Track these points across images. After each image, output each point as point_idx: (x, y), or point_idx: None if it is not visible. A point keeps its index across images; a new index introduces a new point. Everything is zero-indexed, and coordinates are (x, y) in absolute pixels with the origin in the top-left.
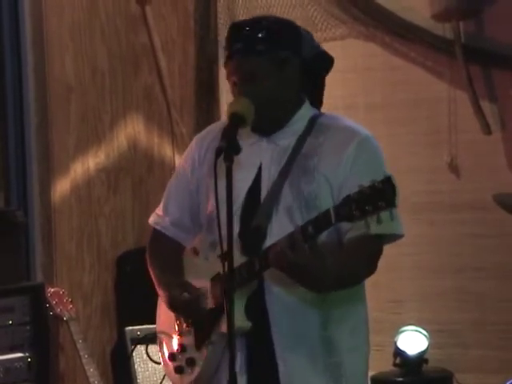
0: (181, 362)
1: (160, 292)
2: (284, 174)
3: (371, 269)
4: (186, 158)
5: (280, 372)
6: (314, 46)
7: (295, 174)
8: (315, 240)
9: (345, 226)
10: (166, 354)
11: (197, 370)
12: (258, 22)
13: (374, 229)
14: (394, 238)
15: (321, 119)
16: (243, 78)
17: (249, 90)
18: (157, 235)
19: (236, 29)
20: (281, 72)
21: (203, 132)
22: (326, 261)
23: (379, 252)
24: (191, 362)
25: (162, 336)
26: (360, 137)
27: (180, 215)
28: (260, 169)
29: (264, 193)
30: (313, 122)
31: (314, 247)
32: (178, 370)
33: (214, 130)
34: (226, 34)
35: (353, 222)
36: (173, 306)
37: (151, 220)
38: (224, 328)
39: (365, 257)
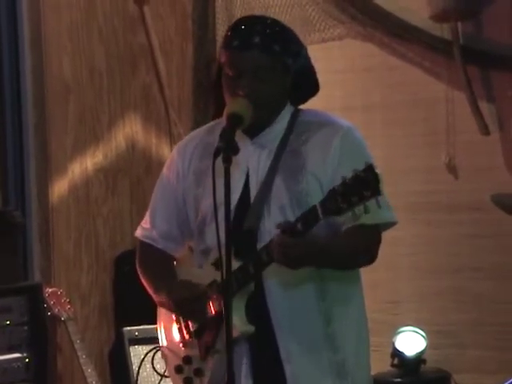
0: (188, 374)
1: (160, 298)
2: (272, 175)
3: (372, 255)
4: (170, 168)
5: (286, 372)
6: (307, 58)
7: (283, 173)
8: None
9: (337, 220)
10: (173, 367)
11: (206, 379)
12: (274, 22)
13: (364, 219)
14: (388, 225)
15: (301, 117)
16: (250, 73)
17: (251, 86)
18: (146, 248)
19: (251, 21)
20: (283, 78)
21: (184, 140)
22: (322, 241)
23: (377, 240)
24: (199, 373)
25: (166, 350)
26: (342, 130)
27: (168, 227)
28: (248, 173)
29: (253, 197)
30: (293, 120)
31: (306, 236)
32: (187, 382)
33: (195, 138)
34: (224, 32)
35: (341, 214)
36: (177, 307)
37: (138, 233)
38: (231, 335)
39: (363, 244)
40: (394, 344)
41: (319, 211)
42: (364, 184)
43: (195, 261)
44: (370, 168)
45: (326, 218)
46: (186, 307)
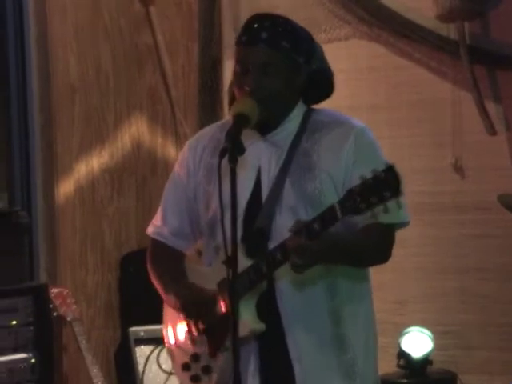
0: (196, 371)
1: (169, 299)
2: (284, 173)
3: (386, 254)
4: (181, 165)
5: (296, 372)
6: (322, 60)
7: (295, 172)
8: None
9: (353, 219)
10: (179, 365)
11: (214, 377)
12: (285, 21)
13: (383, 218)
14: (402, 225)
15: (314, 116)
16: (257, 68)
17: (258, 81)
18: (157, 245)
19: (262, 18)
20: (292, 75)
21: (195, 137)
22: (337, 238)
23: (392, 239)
24: (207, 370)
25: (173, 347)
26: (355, 130)
27: (179, 224)
28: (259, 171)
29: (265, 195)
30: (306, 120)
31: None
32: (195, 379)
33: (206, 135)
34: (230, 33)
35: (359, 214)
36: (185, 310)
37: (150, 231)
38: (237, 333)
39: (378, 242)
40: (400, 345)
41: (338, 211)
42: (384, 185)
43: (205, 258)
44: (390, 168)
45: (344, 218)
46: (194, 311)
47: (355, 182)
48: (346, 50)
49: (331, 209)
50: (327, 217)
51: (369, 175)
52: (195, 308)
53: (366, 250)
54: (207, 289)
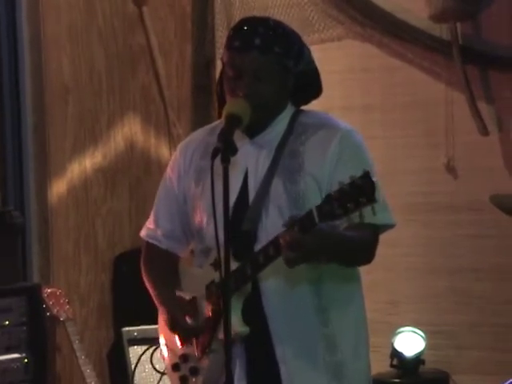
0: (184, 372)
1: (160, 309)
2: (271, 174)
3: (370, 254)
4: (172, 168)
5: (282, 373)
6: (310, 61)
7: (281, 174)
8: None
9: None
10: (170, 365)
11: (200, 378)
12: (277, 24)
13: (366, 219)
14: (387, 227)
15: (301, 118)
16: (250, 74)
17: (251, 87)
18: (150, 248)
19: (254, 22)
20: (283, 79)
21: (186, 140)
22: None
23: (375, 240)
24: (194, 371)
25: (165, 347)
26: (341, 132)
27: (171, 227)
28: (246, 173)
29: (252, 196)
30: (293, 121)
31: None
32: (183, 380)
33: (197, 138)
34: (223, 33)
35: (336, 220)
36: (173, 329)
37: (143, 234)
38: (222, 335)
39: (362, 241)
40: (392, 344)
41: (315, 215)
42: (360, 191)
43: (196, 260)
44: (366, 175)
45: (321, 223)
46: (182, 333)
47: (335, 186)
48: (339, 51)
49: (309, 213)
50: (306, 221)
51: (346, 181)
52: (185, 334)
53: (355, 246)
54: (196, 304)
